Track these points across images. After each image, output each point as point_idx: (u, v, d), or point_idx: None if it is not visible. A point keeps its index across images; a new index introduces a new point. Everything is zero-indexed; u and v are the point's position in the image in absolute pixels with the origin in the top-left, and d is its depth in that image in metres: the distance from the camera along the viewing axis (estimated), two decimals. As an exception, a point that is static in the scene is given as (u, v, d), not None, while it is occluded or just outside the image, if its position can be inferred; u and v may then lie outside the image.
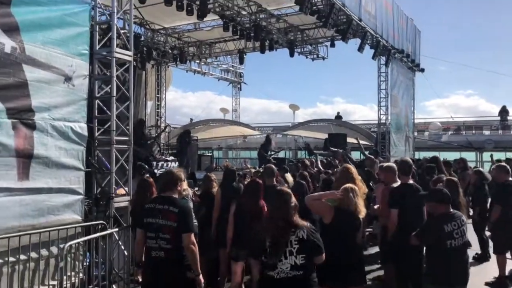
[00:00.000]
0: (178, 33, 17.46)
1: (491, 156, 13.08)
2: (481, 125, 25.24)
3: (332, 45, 17.00)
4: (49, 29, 4.81)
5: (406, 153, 18.36)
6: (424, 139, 23.97)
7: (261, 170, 7.46)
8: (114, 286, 5.42)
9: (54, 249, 4.79)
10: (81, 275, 5.05)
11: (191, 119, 26.82)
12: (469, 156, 17.58)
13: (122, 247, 5.62)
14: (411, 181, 5.28)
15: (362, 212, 4.15)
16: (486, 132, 24.17)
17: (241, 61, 19.66)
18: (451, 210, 4.13)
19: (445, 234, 3.94)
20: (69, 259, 4.78)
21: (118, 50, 5.99)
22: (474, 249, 7.50)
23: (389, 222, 5.08)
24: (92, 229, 5.24)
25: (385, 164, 6.22)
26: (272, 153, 15.64)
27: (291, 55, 16.91)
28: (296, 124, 26.89)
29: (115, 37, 5.92)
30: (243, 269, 5.05)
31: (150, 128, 17.69)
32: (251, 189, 5.18)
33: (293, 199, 3.44)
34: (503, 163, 7.51)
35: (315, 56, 18.74)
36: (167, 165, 11.97)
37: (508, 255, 6.48)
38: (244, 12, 14.05)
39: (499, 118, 24.29)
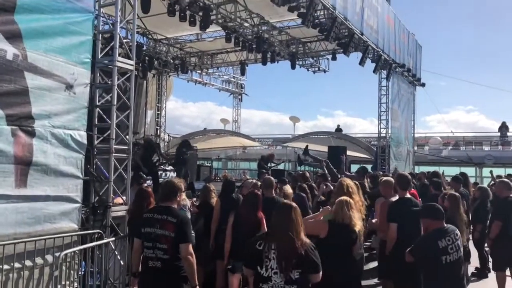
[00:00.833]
0: (180, 43, 17.59)
1: (491, 172, 13.03)
2: (481, 140, 25.31)
3: (334, 58, 17.14)
4: (52, 37, 4.83)
5: (406, 167, 18.34)
6: (424, 154, 23.98)
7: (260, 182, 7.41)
8: (109, 296, 5.36)
9: (49, 258, 4.74)
10: (75, 284, 4.99)
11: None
12: (469, 171, 17.53)
13: (118, 256, 5.57)
14: (409, 195, 5.26)
15: (358, 225, 4.10)
16: (486, 148, 24.21)
17: (243, 72, 19.80)
18: (445, 225, 4.10)
19: (440, 250, 3.91)
20: (64, 268, 4.73)
21: (120, 59, 6.01)
22: (474, 264, 7.45)
23: (387, 237, 5.05)
24: (88, 238, 5.20)
25: (384, 178, 6.21)
26: (273, 165, 15.62)
27: (293, 67, 17.03)
28: (296, 136, 26.91)
29: (117, 46, 5.95)
30: (240, 281, 5.00)
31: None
32: (249, 200, 5.16)
33: (300, 214, 3.36)
34: (506, 179, 7.48)
35: (316, 68, 18.87)
36: (165, 175, 11.95)
37: (507, 272, 6.41)
38: (246, 24, 14.16)
39: (499, 134, 24.35)
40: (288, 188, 6.72)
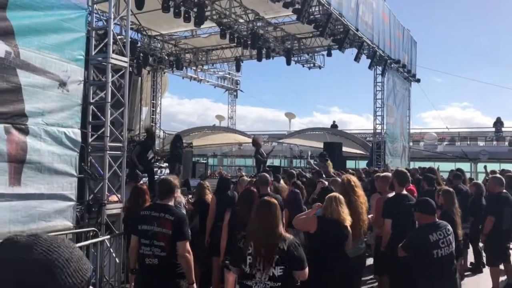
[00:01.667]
0: (175, 40, 17.51)
1: (485, 167, 13.12)
2: (476, 136, 25.45)
3: (329, 54, 17.12)
4: (45, 34, 4.78)
5: (401, 162, 18.41)
6: (419, 149, 24.09)
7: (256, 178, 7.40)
8: (104, 294, 5.35)
9: (44, 256, 4.71)
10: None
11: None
12: (464, 167, 17.64)
13: (114, 254, 5.55)
14: (405, 192, 5.28)
15: (347, 220, 4.10)
16: (481, 143, 24.35)
17: (238, 69, 19.73)
18: (437, 220, 4.13)
19: (431, 244, 3.93)
20: (59, 266, 4.70)
21: (114, 56, 5.97)
22: (468, 260, 7.50)
23: (382, 232, 5.07)
24: (83, 236, 5.18)
25: (381, 174, 6.22)
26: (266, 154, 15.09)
27: (288, 63, 17.00)
28: (292, 133, 26.94)
29: (111, 43, 5.91)
30: (235, 278, 5.00)
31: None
32: (245, 198, 5.15)
33: (279, 210, 3.33)
34: (499, 175, 7.53)
35: (311, 65, 18.86)
36: (160, 172, 11.91)
37: (501, 266, 6.47)
38: (241, 20, 14.12)
39: (493, 129, 24.48)
40: (284, 185, 6.73)
